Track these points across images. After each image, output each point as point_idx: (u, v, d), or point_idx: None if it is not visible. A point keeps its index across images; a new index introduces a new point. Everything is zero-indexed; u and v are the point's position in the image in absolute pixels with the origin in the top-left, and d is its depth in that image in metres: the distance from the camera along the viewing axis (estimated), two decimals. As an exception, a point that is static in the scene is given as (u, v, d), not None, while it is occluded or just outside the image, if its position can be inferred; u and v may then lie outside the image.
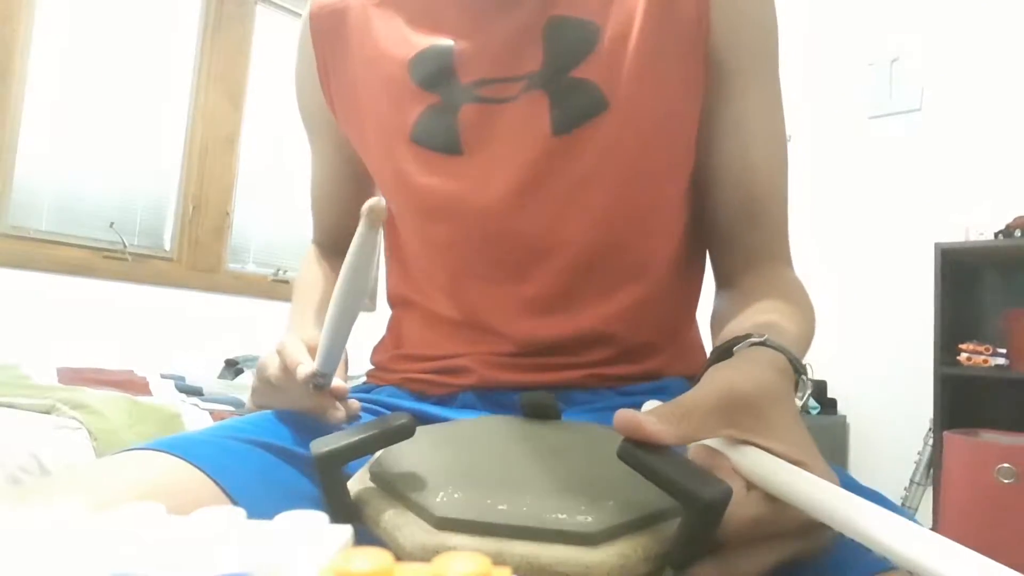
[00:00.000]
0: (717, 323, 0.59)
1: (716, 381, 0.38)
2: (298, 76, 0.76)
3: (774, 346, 0.43)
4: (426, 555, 0.31)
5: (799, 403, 0.43)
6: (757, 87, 0.61)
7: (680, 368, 0.66)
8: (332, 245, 0.81)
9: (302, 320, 0.69)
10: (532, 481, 0.36)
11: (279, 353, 0.56)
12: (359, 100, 0.68)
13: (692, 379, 0.66)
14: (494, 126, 0.61)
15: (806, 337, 0.53)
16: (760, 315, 0.53)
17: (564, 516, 0.32)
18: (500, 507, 0.33)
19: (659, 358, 0.64)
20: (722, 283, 0.66)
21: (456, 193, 0.62)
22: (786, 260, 0.64)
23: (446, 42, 0.63)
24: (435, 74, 0.63)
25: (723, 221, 0.63)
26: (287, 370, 0.55)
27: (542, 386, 0.60)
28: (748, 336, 0.45)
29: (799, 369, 0.44)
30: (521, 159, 0.59)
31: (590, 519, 0.32)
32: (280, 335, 0.60)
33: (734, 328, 0.51)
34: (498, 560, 0.30)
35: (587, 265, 0.61)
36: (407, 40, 0.65)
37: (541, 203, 0.60)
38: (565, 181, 0.59)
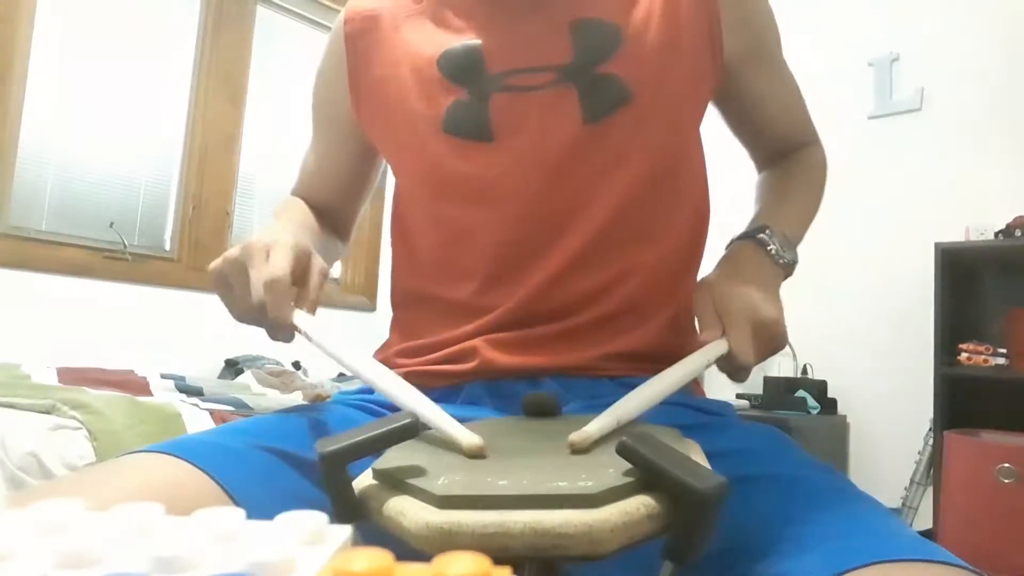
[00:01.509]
0: (757, 196, 0.79)
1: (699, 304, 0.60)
2: (322, 70, 0.79)
3: (758, 239, 0.66)
4: (431, 534, 0.31)
5: (774, 253, 0.65)
6: (774, 61, 0.75)
7: (679, 349, 0.67)
8: (314, 205, 0.82)
9: (291, 224, 0.71)
10: (532, 462, 0.37)
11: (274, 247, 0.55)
12: (388, 99, 0.71)
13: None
14: (524, 113, 0.64)
15: (808, 205, 0.77)
16: (770, 204, 0.75)
17: (565, 483, 0.32)
18: (501, 482, 0.33)
19: (653, 323, 0.66)
20: (760, 167, 0.83)
21: (489, 177, 0.65)
22: (812, 138, 0.81)
23: (474, 40, 0.67)
24: (464, 68, 0.66)
25: (764, 147, 0.81)
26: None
27: (544, 370, 0.63)
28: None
29: (766, 245, 0.65)
30: (553, 145, 0.63)
31: (591, 483, 0.32)
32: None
33: (758, 214, 0.74)
34: (502, 529, 0.30)
35: (603, 236, 0.64)
36: (435, 41, 0.68)
37: (570, 186, 0.64)
38: (594, 165, 0.64)
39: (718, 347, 0.55)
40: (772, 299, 0.59)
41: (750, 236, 0.67)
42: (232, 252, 0.56)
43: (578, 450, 0.39)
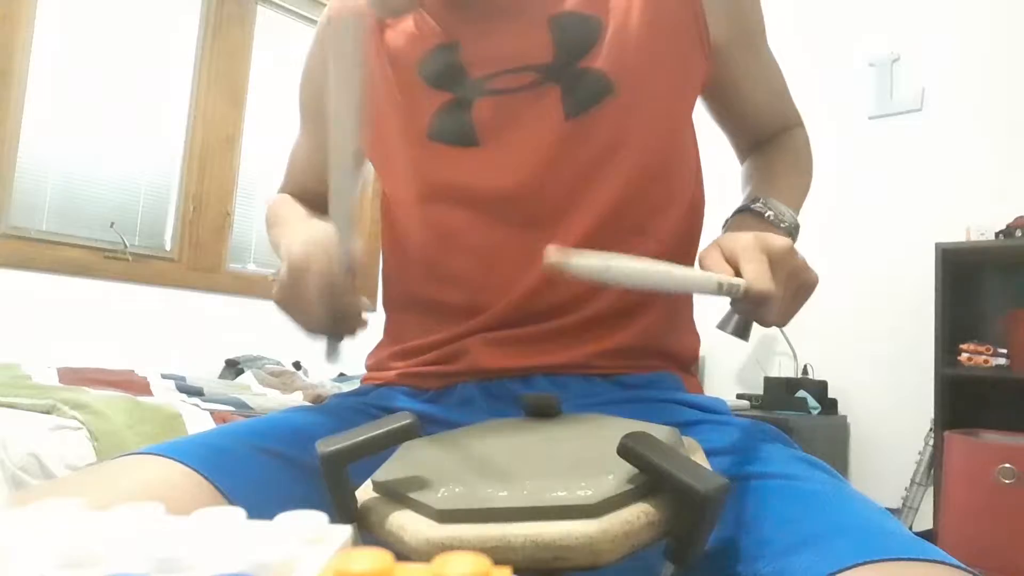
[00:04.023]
0: (744, 179, 0.78)
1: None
2: (309, 68, 0.80)
3: (753, 210, 0.66)
4: (431, 549, 0.31)
5: (772, 219, 0.65)
6: (761, 46, 0.74)
7: (674, 344, 0.68)
8: (305, 201, 0.83)
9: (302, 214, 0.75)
10: (531, 468, 0.37)
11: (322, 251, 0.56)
12: (377, 102, 0.71)
13: (683, 368, 0.69)
14: (508, 115, 0.64)
15: (800, 183, 0.75)
16: (761, 181, 0.74)
17: (564, 493, 0.32)
18: (501, 494, 0.33)
19: (648, 319, 0.66)
20: (743, 157, 0.82)
21: (475, 182, 0.64)
22: (796, 121, 0.80)
23: (452, 42, 0.66)
24: (444, 73, 0.66)
25: (748, 134, 0.80)
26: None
27: (536, 369, 0.63)
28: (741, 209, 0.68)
29: (763, 213, 0.65)
30: (537, 144, 0.63)
31: (590, 492, 0.32)
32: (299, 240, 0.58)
33: (749, 192, 0.73)
34: (503, 543, 0.30)
35: (597, 233, 0.64)
36: (414, 44, 0.68)
37: (559, 184, 0.63)
38: (579, 161, 0.63)
39: (733, 279, 0.48)
40: (781, 236, 0.55)
41: (745, 209, 0.67)
42: (282, 276, 0.57)
43: (551, 265, 0.40)
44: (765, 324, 0.52)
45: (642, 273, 0.44)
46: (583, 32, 0.64)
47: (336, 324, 0.57)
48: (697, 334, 0.73)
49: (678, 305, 0.70)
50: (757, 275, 0.48)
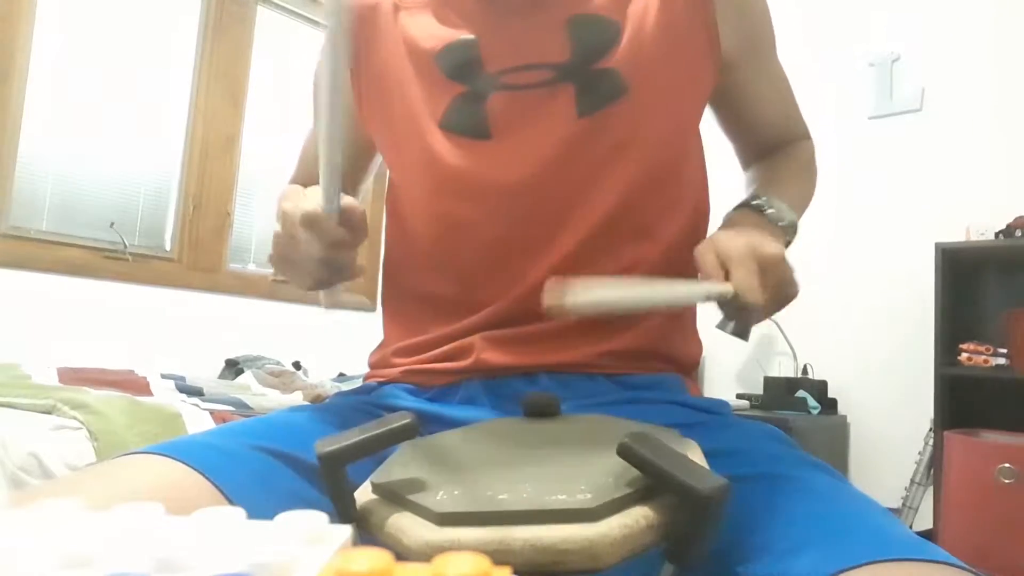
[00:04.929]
0: (748, 184, 0.79)
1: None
2: (320, 59, 0.79)
3: (754, 205, 0.66)
4: (431, 552, 0.31)
5: (771, 214, 0.66)
6: (770, 58, 0.76)
7: (677, 348, 0.68)
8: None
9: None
10: (531, 471, 0.37)
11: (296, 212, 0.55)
12: (387, 94, 0.71)
13: (686, 372, 0.69)
14: (521, 111, 0.64)
15: (803, 189, 0.76)
16: (765, 182, 0.74)
17: (564, 496, 0.32)
18: (500, 497, 0.33)
19: (652, 321, 0.66)
20: (747, 167, 0.82)
21: (485, 174, 0.65)
22: (803, 134, 0.82)
23: (472, 37, 0.67)
24: (462, 65, 0.66)
25: (755, 145, 0.81)
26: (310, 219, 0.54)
27: (540, 367, 0.63)
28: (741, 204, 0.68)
29: (764, 209, 0.66)
30: (549, 140, 0.64)
31: (590, 496, 0.32)
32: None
33: (752, 191, 0.72)
34: (502, 546, 0.30)
35: (603, 232, 0.64)
36: (433, 35, 0.69)
37: (567, 181, 0.64)
38: (589, 159, 0.64)
39: (720, 287, 0.53)
40: (775, 241, 0.58)
41: (745, 205, 0.68)
42: (275, 232, 0.58)
43: (549, 308, 0.46)
44: (748, 323, 0.56)
45: (634, 299, 0.48)
46: (601, 34, 0.65)
47: (328, 272, 0.57)
48: (700, 342, 0.73)
49: (682, 310, 0.70)
50: (745, 286, 0.52)
